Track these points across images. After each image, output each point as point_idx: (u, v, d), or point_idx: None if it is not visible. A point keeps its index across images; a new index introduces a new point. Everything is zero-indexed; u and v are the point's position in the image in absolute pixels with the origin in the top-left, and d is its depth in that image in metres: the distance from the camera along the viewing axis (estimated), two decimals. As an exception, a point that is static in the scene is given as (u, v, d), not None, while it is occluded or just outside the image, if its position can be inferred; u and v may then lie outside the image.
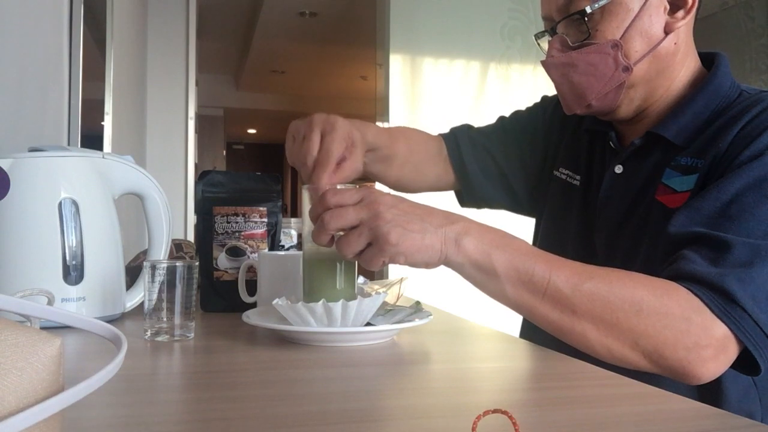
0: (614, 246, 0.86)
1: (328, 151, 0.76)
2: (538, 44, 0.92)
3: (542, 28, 0.89)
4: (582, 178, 0.96)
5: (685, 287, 0.65)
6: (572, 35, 0.84)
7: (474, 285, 0.69)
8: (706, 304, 0.64)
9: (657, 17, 0.81)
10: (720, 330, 0.64)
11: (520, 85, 3.03)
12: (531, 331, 0.96)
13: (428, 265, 0.67)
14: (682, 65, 0.85)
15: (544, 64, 0.88)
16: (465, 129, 1.11)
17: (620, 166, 0.88)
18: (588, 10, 0.80)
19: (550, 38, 0.87)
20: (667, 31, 0.81)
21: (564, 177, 0.99)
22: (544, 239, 1.02)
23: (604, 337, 0.65)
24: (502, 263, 0.65)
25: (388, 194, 0.67)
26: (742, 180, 0.71)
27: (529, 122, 1.09)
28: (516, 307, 0.68)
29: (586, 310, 0.64)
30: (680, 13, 0.81)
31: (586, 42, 0.82)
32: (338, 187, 0.71)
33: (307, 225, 0.77)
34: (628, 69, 0.81)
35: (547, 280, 0.65)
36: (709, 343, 0.64)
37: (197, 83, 3.40)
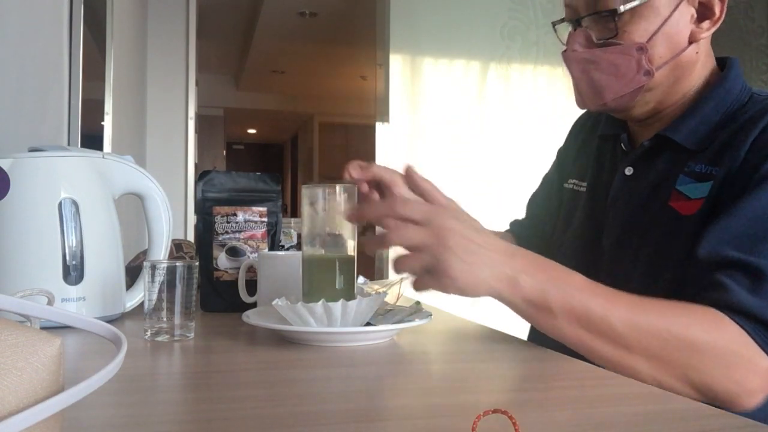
0: (622, 247, 0.86)
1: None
2: (555, 30, 0.91)
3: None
4: (588, 183, 0.96)
5: (730, 319, 0.66)
6: (597, 32, 0.83)
7: (524, 318, 0.69)
8: (752, 337, 0.66)
9: (684, 25, 0.81)
10: (765, 362, 0.65)
11: (520, 85, 3.03)
12: (540, 336, 0.96)
13: (474, 297, 0.67)
14: (700, 74, 0.85)
15: (564, 56, 0.87)
16: (514, 221, 1.16)
17: (630, 168, 0.88)
18: (620, 9, 0.79)
19: (572, 30, 0.86)
20: (692, 40, 0.82)
21: (571, 186, 1.00)
22: (551, 246, 1.02)
23: (655, 371, 0.66)
24: (557, 302, 0.65)
25: (455, 220, 0.65)
26: (766, 195, 0.71)
27: (553, 169, 1.12)
28: (568, 341, 0.68)
29: (642, 348, 0.65)
30: (706, 24, 0.82)
31: (611, 41, 0.82)
32: (407, 196, 0.69)
33: (307, 225, 0.77)
34: (649, 73, 0.81)
35: (603, 318, 0.65)
36: (756, 375, 0.65)
37: (197, 83, 3.40)
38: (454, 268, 0.63)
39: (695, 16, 0.82)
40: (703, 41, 0.83)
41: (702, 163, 0.80)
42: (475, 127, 2.97)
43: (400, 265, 0.66)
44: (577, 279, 0.67)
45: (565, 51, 0.87)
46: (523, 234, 1.11)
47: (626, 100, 0.84)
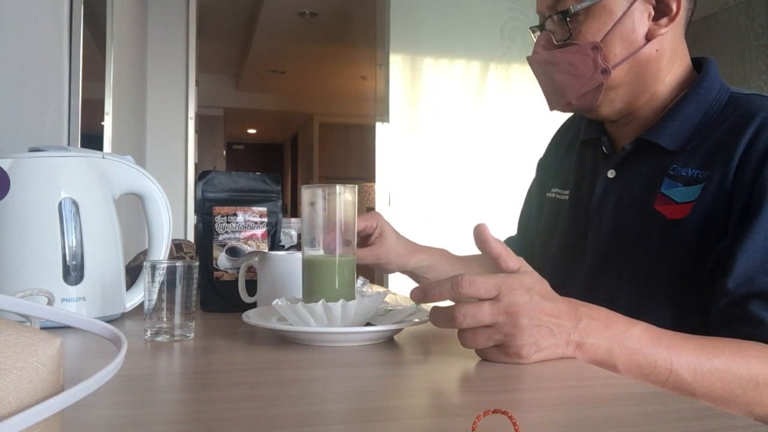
0: (608, 252, 0.86)
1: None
2: (533, 38, 0.93)
3: None
4: (571, 190, 0.96)
5: None
6: (557, 33, 0.85)
7: None
8: None
9: (640, 23, 0.82)
10: None
11: (520, 85, 3.03)
12: None
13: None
14: (668, 72, 0.85)
15: (528, 59, 0.89)
16: (507, 239, 1.14)
17: (613, 171, 0.88)
18: (571, 10, 0.82)
19: (539, 34, 0.88)
20: (649, 37, 0.82)
21: (553, 195, 1.00)
22: (536, 255, 1.01)
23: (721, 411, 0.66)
24: (623, 361, 0.64)
25: (525, 291, 0.63)
26: None
27: (534, 183, 1.12)
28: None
29: (706, 392, 0.65)
30: (664, 21, 0.82)
31: (568, 42, 0.83)
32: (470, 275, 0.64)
33: (307, 225, 0.77)
34: (606, 71, 0.82)
35: (669, 370, 0.64)
36: None
37: (197, 83, 3.40)
38: (527, 348, 0.61)
39: (653, 13, 0.82)
40: (667, 38, 0.83)
41: (690, 166, 0.79)
42: (475, 127, 2.98)
43: (468, 342, 0.63)
44: (642, 331, 0.66)
45: (529, 55, 0.89)
46: (517, 253, 1.11)
47: (589, 99, 0.85)
